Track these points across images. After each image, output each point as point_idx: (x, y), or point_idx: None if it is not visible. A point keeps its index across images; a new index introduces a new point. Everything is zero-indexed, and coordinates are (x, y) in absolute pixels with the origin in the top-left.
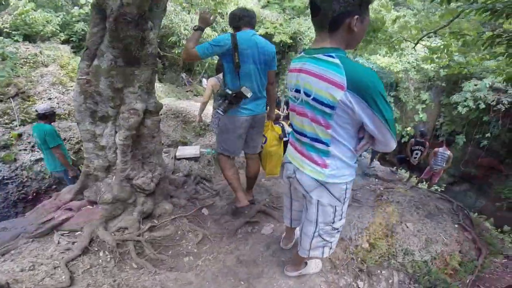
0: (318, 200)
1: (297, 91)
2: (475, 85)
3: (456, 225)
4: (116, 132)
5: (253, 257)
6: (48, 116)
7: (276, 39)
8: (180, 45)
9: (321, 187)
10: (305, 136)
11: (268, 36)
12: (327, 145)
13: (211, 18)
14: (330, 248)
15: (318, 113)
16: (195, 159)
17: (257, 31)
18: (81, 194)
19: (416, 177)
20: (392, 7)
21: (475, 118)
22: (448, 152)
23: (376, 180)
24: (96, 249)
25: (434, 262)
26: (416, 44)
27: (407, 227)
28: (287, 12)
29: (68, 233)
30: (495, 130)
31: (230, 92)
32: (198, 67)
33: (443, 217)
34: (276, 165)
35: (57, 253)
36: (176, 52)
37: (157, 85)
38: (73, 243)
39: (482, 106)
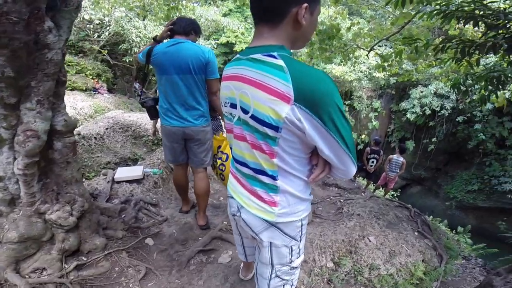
0: (270, 242)
1: (233, 106)
2: (421, 91)
3: (416, 233)
4: (16, 158)
5: None
6: None
7: (238, 48)
8: (132, 52)
9: (271, 227)
10: (246, 166)
11: (229, 45)
12: (274, 178)
13: (166, 33)
14: (292, 285)
15: (260, 137)
16: (138, 181)
17: (218, 40)
18: None
19: (373, 183)
20: (347, 16)
21: (422, 124)
22: (402, 159)
23: (336, 189)
24: None
25: (400, 274)
26: (369, 51)
27: (370, 241)
28: (248, 21)
29: None
30: (440, 135)
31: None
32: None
33: (403, 226)
34: None
35: None
36: (128, 60)
37: (106, 96)
38: None
39: (428, 112)
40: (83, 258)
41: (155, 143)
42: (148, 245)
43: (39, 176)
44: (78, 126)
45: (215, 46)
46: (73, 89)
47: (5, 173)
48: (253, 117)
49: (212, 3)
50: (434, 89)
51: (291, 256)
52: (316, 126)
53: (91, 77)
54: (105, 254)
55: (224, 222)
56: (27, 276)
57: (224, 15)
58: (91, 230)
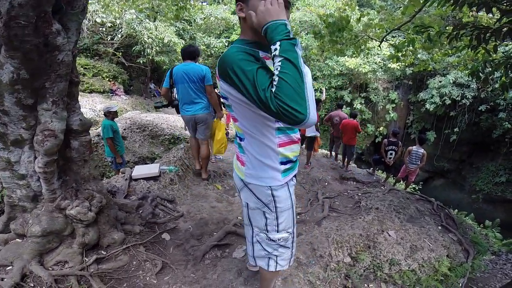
0: (246, 202)
1: None
2: (440, 81)
3: (440, 227)
4: (36, 157)
5: (222, 287)
6: (106, 114)
7: None
8: (145, 54)
9: (245, 187)
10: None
11: None
12: (241, 139)
13: None
14: (276, 263)
15: (226, 106)
16: (155, 178)
17: (229, 38)
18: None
19: (393, 177)
20: (356, 7)
21: (443, 114)
22: (422, 150)
23: (354, 183)
24: (32, 285)
25: (423, 270)
26: (381, 42)
27: (389, 235)
28: None
29: None
30: (462, 125)
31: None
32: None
33: (425, 220)
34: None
35: None
36: (142, 61)
37: (123, 97)
38: (2, 279)
39: (448, 101)
40: (103, 252)
41: (172, 141)
42: (165, 239)
43: (58, 173)
44: (97, 127)
45: (226, 44)
46: (91, 91)
47: (27, 171)
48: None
49: (220, 1)
50: (453, 78)
51: (266, 223)
52: (233, 90)
53: (107, 79)
54: (124, 248)
55: (239, 218)
56: (50, 269)
57: (233, 13)
58: (110, 225)
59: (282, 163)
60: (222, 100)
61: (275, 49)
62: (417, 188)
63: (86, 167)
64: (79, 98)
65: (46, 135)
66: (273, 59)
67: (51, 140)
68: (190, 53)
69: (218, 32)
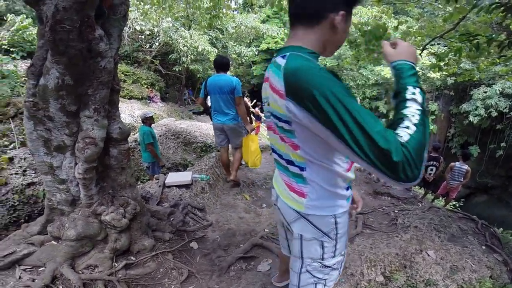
0: (300, 234)
1: (268, 103)
2: (485, 92)
3: (484, 247)
4: (77, 163)
5: None
6: (144, 120)
7: None
8: (181, 62)
9: (302, 219)
10: (280, 156)
11: (270, 52)
12: (302, 169)
13: None
14: (325, 286)
15: (281, 130)
16: (187, 186)
17: (259, 46)
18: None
19: (432, 193)
20: (392, 15)
21: (488, 127)
22: (466, 167)
23: (389, 198)
24: (61, 287)
25: None
26: (422, 50)
27: (428, 255)
28: (287, 26)
29: (31, 268)
30: (510, 139)
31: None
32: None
33: (468, 239)
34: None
35: None
36: (177, 69)
37: (160, 104)
38: (34, 280)
39: (494, 114)
40: (132, 257)
41: (204, 149)
42: (193, 248)
43: (96, 180)
44: (135, 133)
45: (256, 53)
46: (130, 98)
47: (68, 176)
48: (272, 114)
49: (250, 10)
50: (500, 89)
51: (323, 253)
52: (308, 117)
53: (145, 86)
54: (153, 255)
55: (266, 230)
56: (80, 272)
57: (263, 21)
58: (141, 231)
59: (347, 188)
60: (280, 124)
61: (413, 93)
62: (457, 205)
63: (123, 174)
64: (119, 104)
65: (87, 143)
66: (405, 101)
67: (91, 148)
68: (223, 65)
69: (248, 41)
